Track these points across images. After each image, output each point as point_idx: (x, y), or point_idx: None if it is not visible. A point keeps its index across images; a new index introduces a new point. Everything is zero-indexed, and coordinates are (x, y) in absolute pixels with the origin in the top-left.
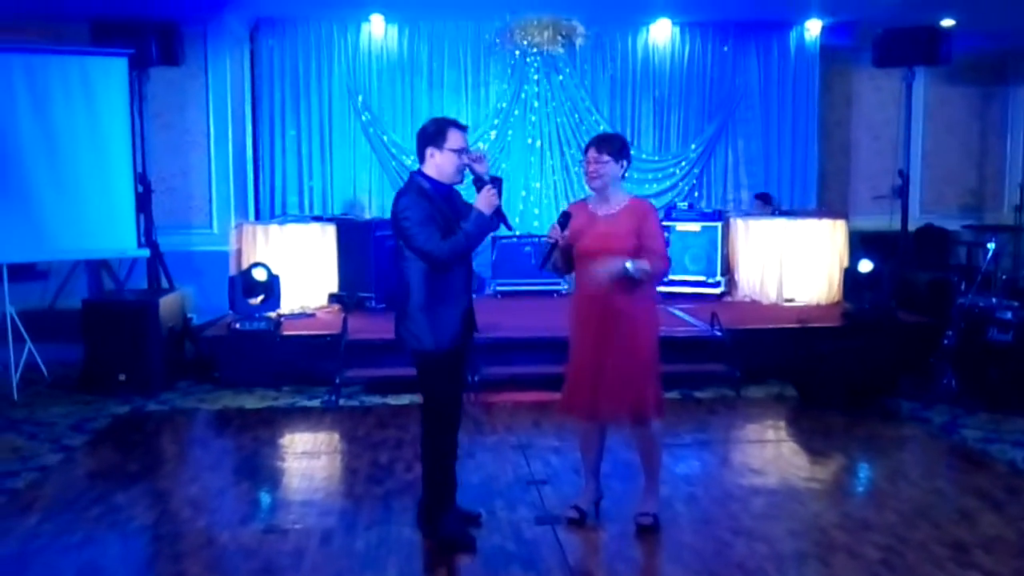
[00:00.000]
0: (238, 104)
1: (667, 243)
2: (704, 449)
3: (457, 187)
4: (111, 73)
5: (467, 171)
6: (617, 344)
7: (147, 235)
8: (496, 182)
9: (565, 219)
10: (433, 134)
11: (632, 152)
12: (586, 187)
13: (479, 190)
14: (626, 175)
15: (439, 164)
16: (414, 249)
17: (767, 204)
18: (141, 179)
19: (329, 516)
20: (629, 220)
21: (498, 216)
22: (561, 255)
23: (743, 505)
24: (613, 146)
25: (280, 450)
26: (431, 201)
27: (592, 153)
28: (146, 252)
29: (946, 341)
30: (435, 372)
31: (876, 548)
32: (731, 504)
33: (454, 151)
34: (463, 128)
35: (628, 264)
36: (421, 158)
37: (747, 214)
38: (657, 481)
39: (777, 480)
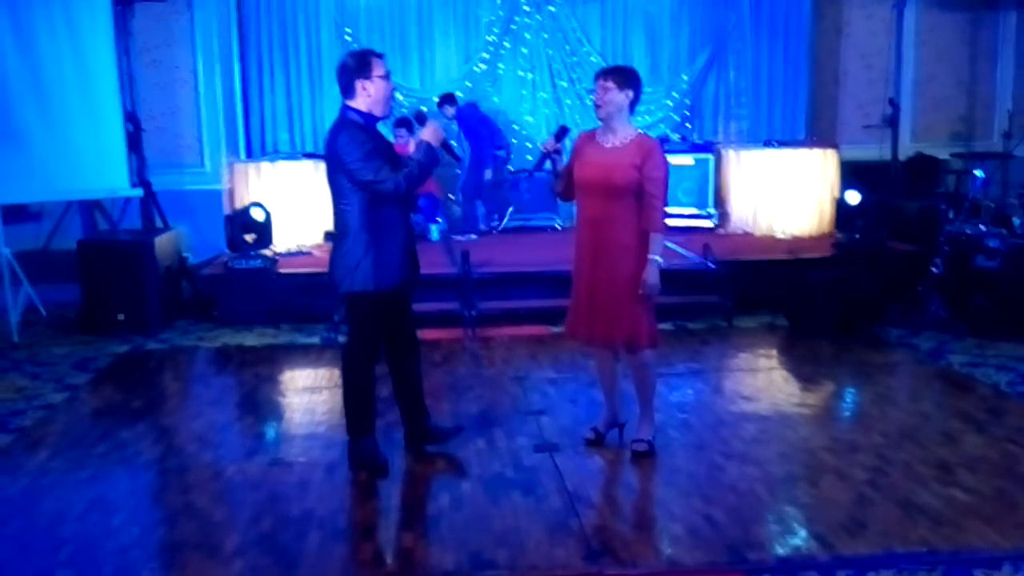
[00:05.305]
0: (225, 40)
1: (667, 185)
2: (697, 378)
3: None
4: (95, 9)
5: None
6: (610, 272)
7: (139, 174)
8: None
9: (562, 132)
10: (359, 66)
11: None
12: (579, 120)
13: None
14: (635, 108)
15: (372, 94)
16: (364, 183)
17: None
18: (130, 117)
19: (332, 449)
20: (633, 154)
21: (446, 148)
22: (563, 181)
23: (735, 431)
24: (619, 75)
25: (281, 386)
26: (368, 134)
27: (599, 82)
28: (139, 192)
29: (934, 269)
30: (367, 313)
31: (863, 469)
32: (723, 430)
33: (382, 77)
34: (381, 55)
35: (658, 259)
36: (350, 92)
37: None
38: (651, 408)
39: (768, 406)
